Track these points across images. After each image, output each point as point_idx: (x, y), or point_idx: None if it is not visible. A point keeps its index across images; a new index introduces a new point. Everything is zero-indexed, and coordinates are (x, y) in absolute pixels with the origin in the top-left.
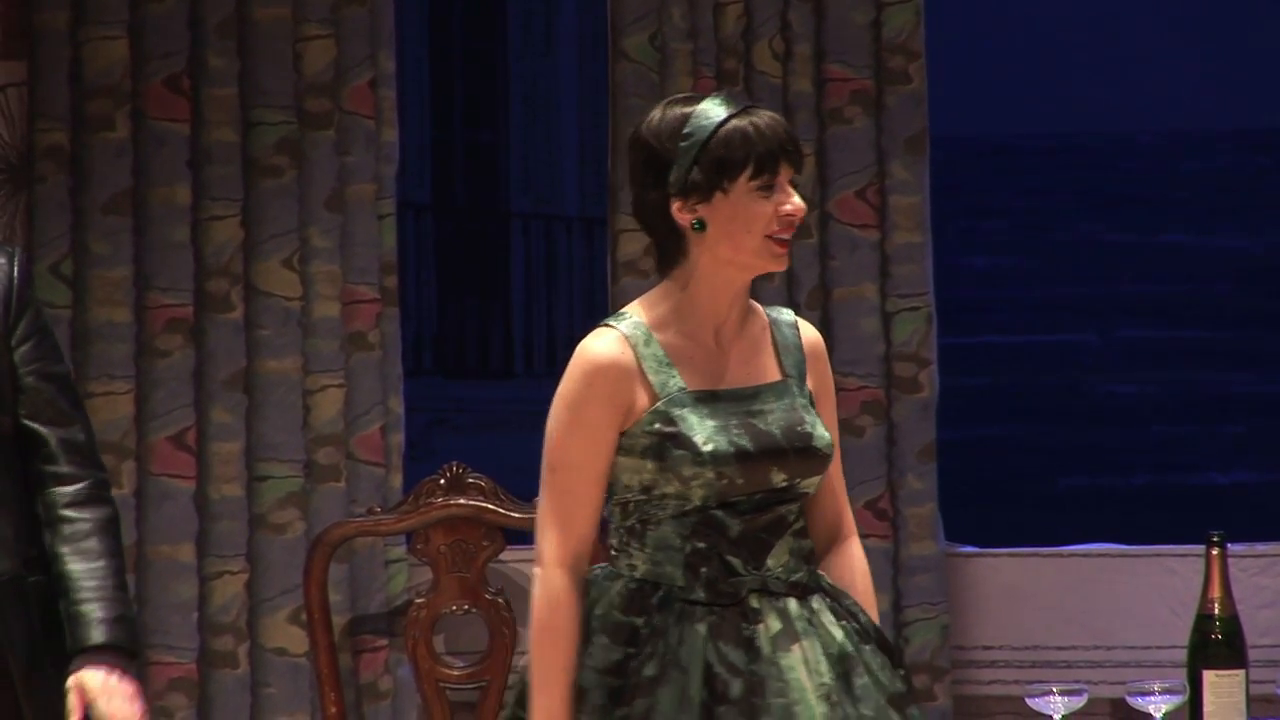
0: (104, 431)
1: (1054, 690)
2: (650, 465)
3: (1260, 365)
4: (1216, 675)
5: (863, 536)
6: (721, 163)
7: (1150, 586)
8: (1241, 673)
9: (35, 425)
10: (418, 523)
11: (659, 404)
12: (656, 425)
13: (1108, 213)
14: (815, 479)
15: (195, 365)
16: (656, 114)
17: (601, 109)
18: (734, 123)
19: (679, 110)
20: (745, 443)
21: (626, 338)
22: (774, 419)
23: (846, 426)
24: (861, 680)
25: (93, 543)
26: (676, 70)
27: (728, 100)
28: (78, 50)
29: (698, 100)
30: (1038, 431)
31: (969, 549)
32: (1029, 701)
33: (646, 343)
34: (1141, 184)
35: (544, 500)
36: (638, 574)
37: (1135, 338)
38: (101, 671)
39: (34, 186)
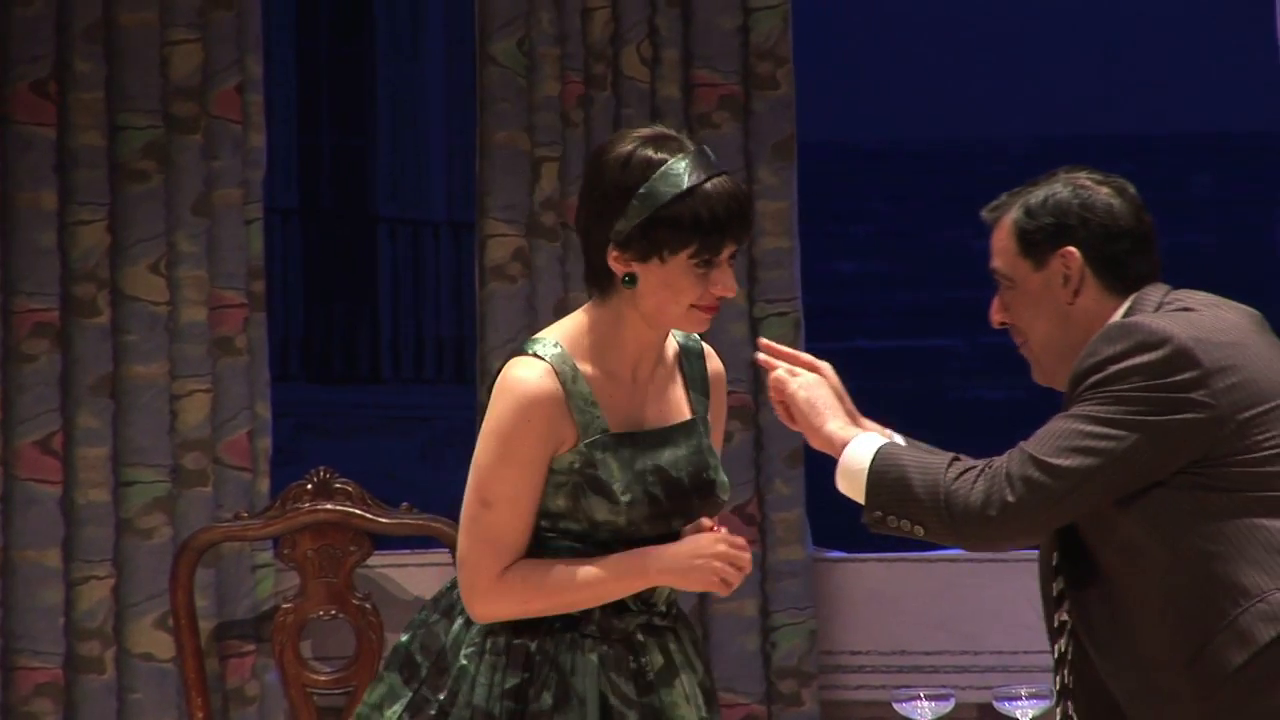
0: None
1: (921, 695)
2: (563, 501)
3: None
4: None
5: None
6: (665, 235)
7: (1018, 591)
8: None
9: None
10: (285, 528)
11: (582, 444)
12: (578, 465)
13: (976, 218)
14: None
15: (62, 370)
16: (625, 149)
17: (469, 113)
18: (691, 197)
19: (647, 156)
20: (658, 492)
21: (556, 372)
22: (683, 464)
23: None
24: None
25: None
26: (544, 75)
27: (695, 163)
28: None
29: (668, 149)
30: (904, 435)
31: (837, 554)
32: (896, 706)
33: (574, 379)
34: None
35: (474, 533)
36: None
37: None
38: None
39: None
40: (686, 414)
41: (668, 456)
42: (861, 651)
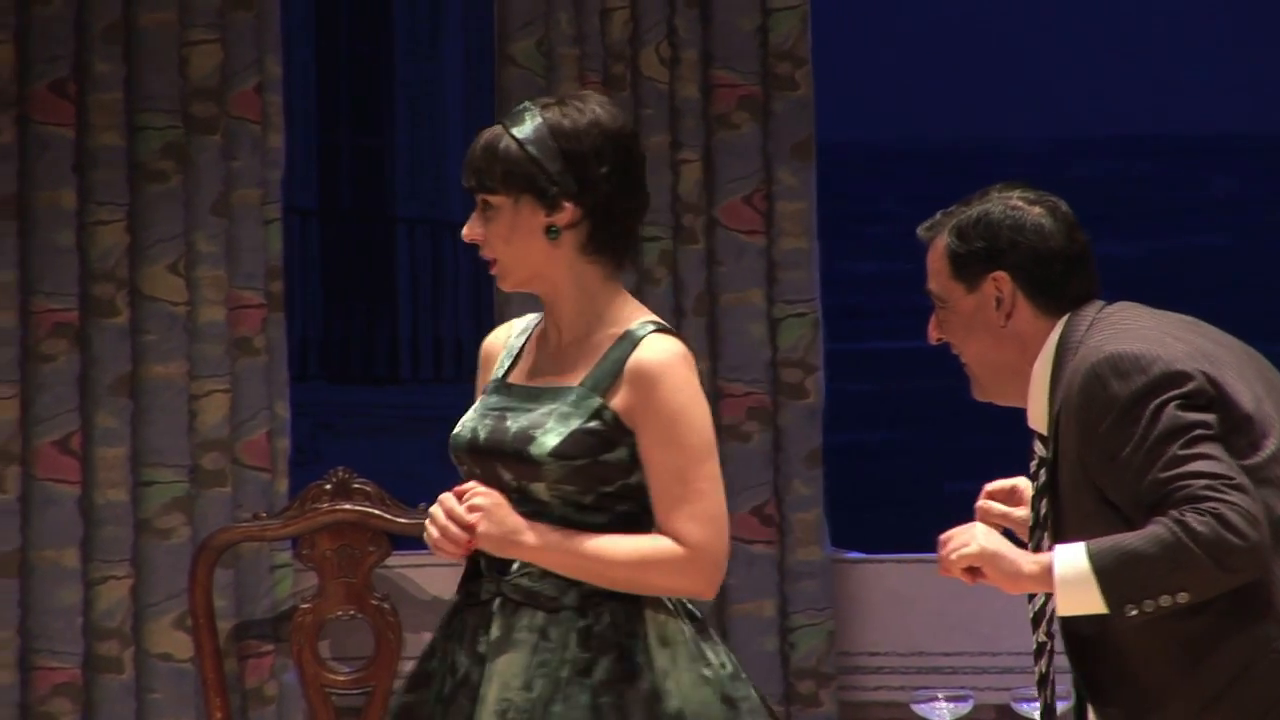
0: None
1: (940, 696)
2: None
3: None
4: None
5: (749, 542)
6: None
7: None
8: None
9: None
10: (304, 528)
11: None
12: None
13: None
14: (540, 485)
15: (80, 370)
16: None
17: (488, 113)
18: None
19: None
20: (481, 435)
21: (513, 324)
22: (522, 420)
23: (733, 433)
24: (556, 709)
25: None
26: (563, 75)
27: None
28: None
29: None
30: (923, 436)
31: (855, 555)
32: (915, 707)
33: (521, 333)
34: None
35: None
36: None
37: None
38: None
39: None
40: (574, 382)
41: (522, 407)
42: (880, 652)
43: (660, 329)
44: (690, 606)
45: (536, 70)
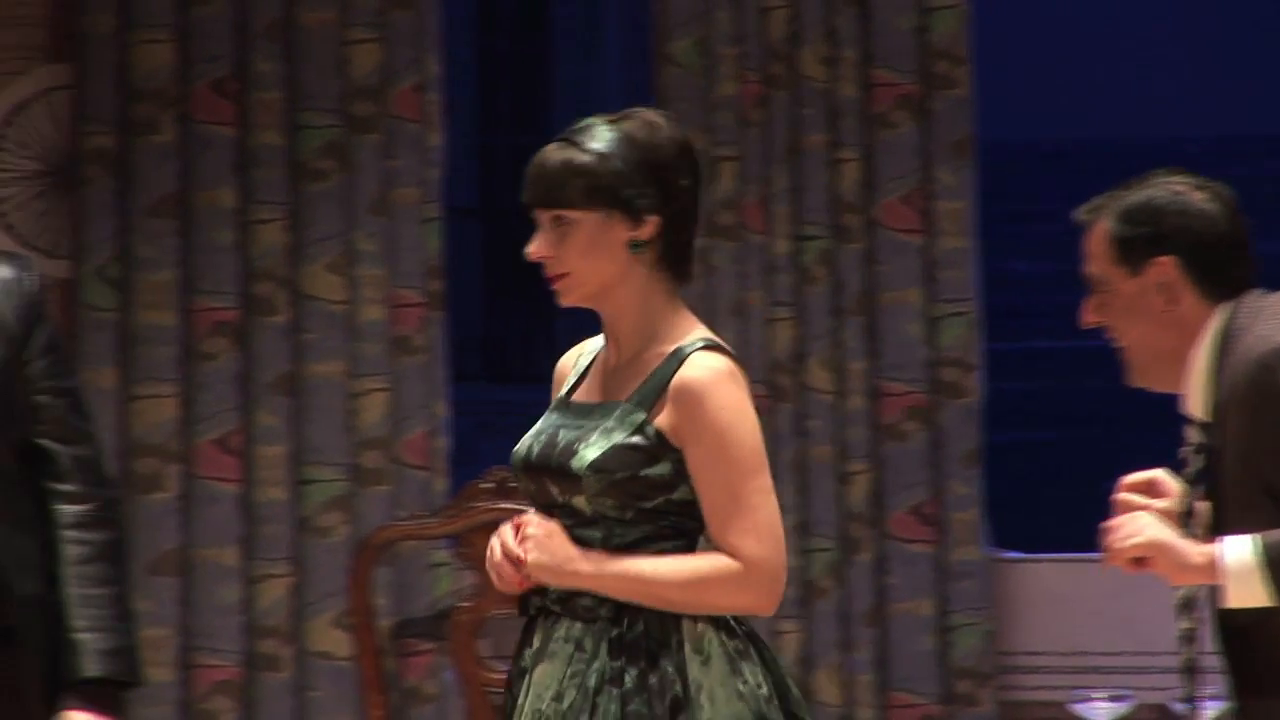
0: (149, 434)
1: (1098, 696)
2: None
3: None
4: None
5: (907, 542)
6: None
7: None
8: None
9: (46, 442)
10: (463, 526)
11: None
12: None
13: None
14: (581, 499)
15: (241, 369)
16: None
17: None
18: None
19: None
20: (534, 451)
21: (584, 345)
22: (570, 435)
23: (891, 432)
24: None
25: (96, 568)
26: (722, 74)
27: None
28: (124, 54)
29: None
30: (1082, 436)
31: (1013, 555)
32: (1074, 707)
33: (589, 354)
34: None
35: None
36: None
37: None
38: (89, 718)
39: (80, 189)
40: (620, 398)
41: (574, 423)
42: (1039, 652)
43: (709, 346)
44: (732, 622)
45: (695, 69)
